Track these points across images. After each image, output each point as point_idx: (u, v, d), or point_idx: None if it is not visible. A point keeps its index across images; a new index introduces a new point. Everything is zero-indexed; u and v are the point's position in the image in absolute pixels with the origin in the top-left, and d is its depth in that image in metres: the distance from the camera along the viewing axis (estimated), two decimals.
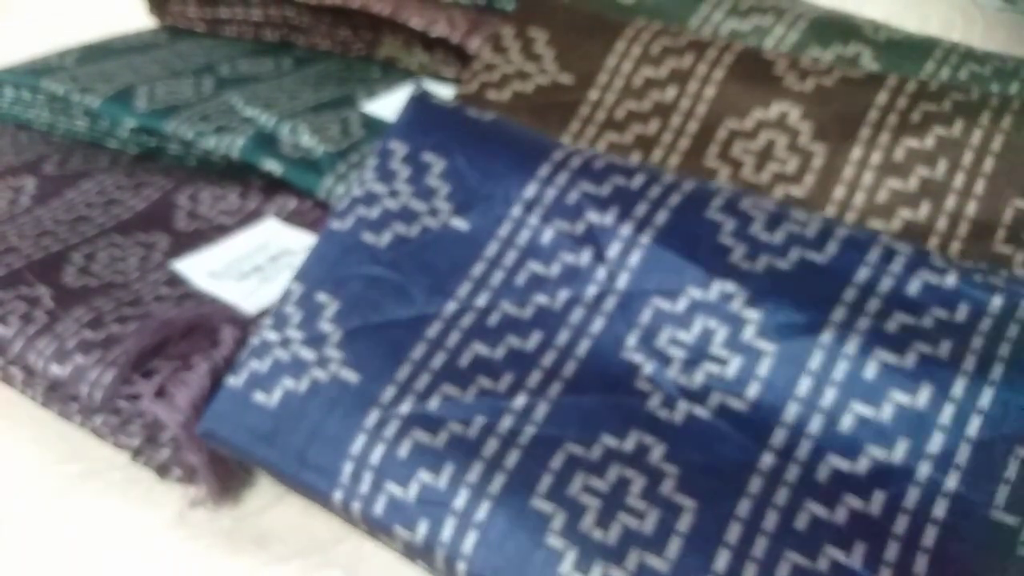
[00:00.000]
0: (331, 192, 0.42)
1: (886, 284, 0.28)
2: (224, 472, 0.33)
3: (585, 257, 0.31)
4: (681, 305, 0.30)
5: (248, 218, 0.43)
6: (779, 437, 0.27)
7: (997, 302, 0.28)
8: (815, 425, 0.27)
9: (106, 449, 0.35)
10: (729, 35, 0.46)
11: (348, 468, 0.29)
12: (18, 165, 0.46)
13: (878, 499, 0.25)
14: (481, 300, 0.31)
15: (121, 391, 0.32)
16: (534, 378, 0.29)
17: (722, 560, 0.25)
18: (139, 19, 0.59)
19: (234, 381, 0.31)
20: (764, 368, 0.28)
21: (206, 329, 0.34)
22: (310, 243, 0.40)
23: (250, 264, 0.39)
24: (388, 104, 0.49)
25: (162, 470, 0.33)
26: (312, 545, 0.31)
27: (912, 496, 0.25)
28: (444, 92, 0.38)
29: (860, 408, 0.27)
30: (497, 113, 0.36)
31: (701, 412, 0.28)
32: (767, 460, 0.27)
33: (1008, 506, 0.25)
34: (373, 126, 0.47)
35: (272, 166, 0.43)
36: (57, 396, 0.35)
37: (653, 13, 0.48)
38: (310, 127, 0.45)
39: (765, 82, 0.40)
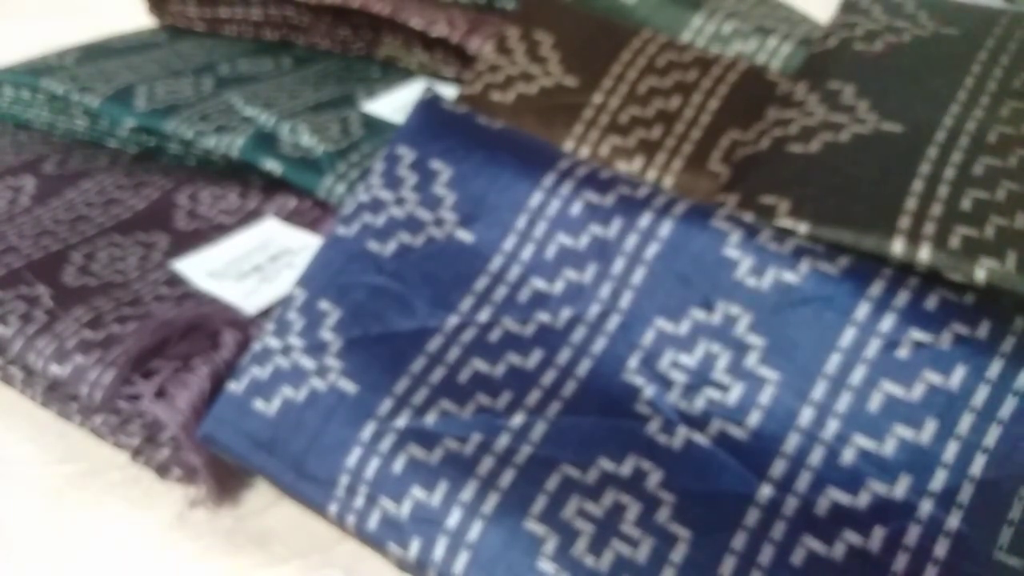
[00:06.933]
0: (331, 191, 0.42)
1: (891, 317, 0.28)
2: (224, 472, 0.33)
3: (589, 273, 0.31)
4: (684, 327, 0.29)
5: (248, 218, 0.43)
6: (779, 468, 0.26)
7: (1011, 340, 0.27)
8: (816, 457, 0.26)
9: (106, 449, 0.35)
10: (731, 34, 0.46)
11: (344, 481, 0.28)
12: (18, 165, 0.46)
13: (878, 535, 0.25)
14: (483, 315, 0.31)
15: (121, 391, 0.32)
16: (533, 397, 0.29)
17: None
18: (139, 19, 0.59)
19: (235, 387, 0.31)
20: (766, 396, 0.28)
21: (207, 330, 0.34)
22: (310, 242, 0.40)
23: (250, 264, 0.39)
24: (388, 104, 0.49)
25: (162, 470, 0.33)
26: (312, 545, 0.31)
27: (913, 534, 0.25)
28: (444, 92, 0.38)
29: (862, 441, 0.26)
30: (503, 117, 0.35)
31: (700, 439, 0.27)
32: (765, 492, 0.26)
33: (1012, 548, 0.24)
34: (373, 126, 0.47)
35: (272, 166, 0.43)
36: (57, 396, 0.35)
37: (653, 15, 0.48)
38: (310, 127, 0.45)
39: (768, 100, 0.39)
